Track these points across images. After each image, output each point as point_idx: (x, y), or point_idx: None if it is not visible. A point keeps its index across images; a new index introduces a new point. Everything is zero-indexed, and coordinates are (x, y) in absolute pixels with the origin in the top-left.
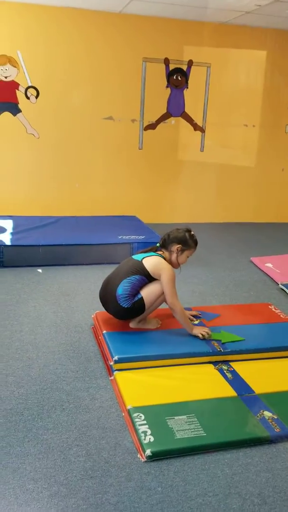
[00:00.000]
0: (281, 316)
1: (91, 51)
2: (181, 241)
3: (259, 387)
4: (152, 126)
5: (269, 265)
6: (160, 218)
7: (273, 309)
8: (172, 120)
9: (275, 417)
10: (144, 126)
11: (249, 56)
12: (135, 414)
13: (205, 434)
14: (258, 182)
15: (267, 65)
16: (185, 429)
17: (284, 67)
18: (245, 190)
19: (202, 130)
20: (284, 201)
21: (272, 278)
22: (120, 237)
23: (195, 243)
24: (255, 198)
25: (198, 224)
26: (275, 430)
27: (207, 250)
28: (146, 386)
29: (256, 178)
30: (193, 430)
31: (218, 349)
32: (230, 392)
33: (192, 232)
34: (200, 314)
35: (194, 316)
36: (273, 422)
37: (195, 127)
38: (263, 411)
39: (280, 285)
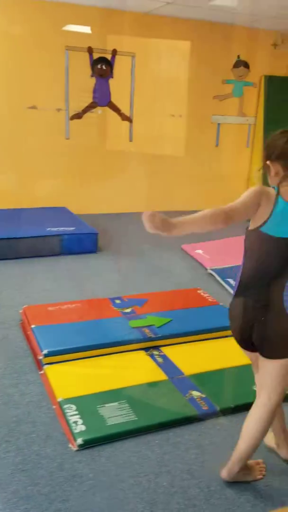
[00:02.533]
0: (209, 300)
1: (12, 39)
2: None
3: (188, 368)
4: (78, 116)
5: (199, 251)
6: (92, 209)
7: (202, 294)
8: (99, 110)
9: (203, 395)
10: (70, 116)
11: (173, 46)
12: (66, 406)
13: (136, 418)
14: (188, 171)
15: (191, 56)
16: (116, 415)
17: (207, 57)
18: (175, 179)
19: (130, 120)
20: (213, 190)
21: (202, 264)
22: (48, 229)
23: None
24: (185, 187)
25: (129, 213)
26: (203, 408)
27: (139, 239)
28: (77, 377)
29: (185, 168)
30: (124, 415)
31: (149, 335)
32: (161, 376)
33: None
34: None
35: None
36: (201, 401)
37: (123, 117)
38: (191, 391)
39: (208, 270)
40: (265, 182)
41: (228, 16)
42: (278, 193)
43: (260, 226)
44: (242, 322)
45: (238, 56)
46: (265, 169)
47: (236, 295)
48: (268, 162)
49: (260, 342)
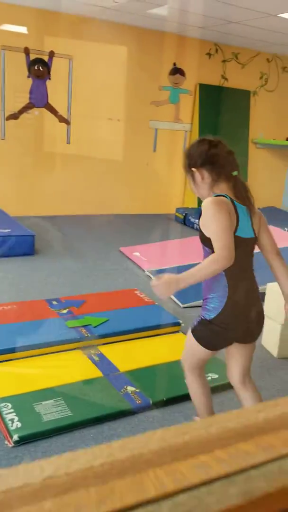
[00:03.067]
0: (145, 300)
1: None
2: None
3: (123, 365)
4: (14, 116)
5: (137, 254)
6: (28, 211)
7: (139, 294)
8: (35, 111)
9: (137, 390)
10: (6, 116)
11: (111, 51)
12: (2, 404)
13: (71, 414)
14: (126, 175)
15: (129, 61)
16: (52, 412)
17: (145, 63)
18: (113, 183)
19: (67, 122)
20: (150, 194)
21: (139, 266)
22: None
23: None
24: (123, 191)
25: (68, 216)
26: (137, 402)
27: (77, 242)
28: (13, 377)
29: (123, 171)
30: (60, 411)
31: (86, 335)
32: (96, 373)
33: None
34: None
35: None
36: (135, 395)
37: (60, 119)
38: (126, 387)
39: (146, 272)
40: None
41: (165, 25)
42: (232, 199)
43: (234, 232)
44: (248, 320)
45: (174, 64)
46: (189, 176)
47: (230, 300)
48: (194, 169)
49: (259, 329)
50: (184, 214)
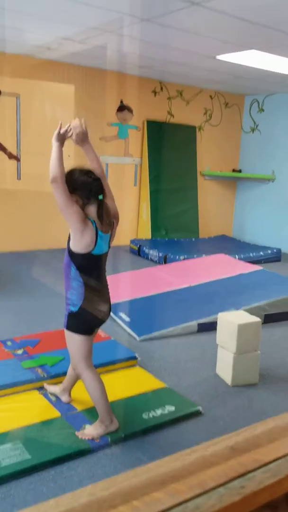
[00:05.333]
0: (102, 335)
1: None
2: None
3: (81, 404)
4: None
5: None
6: None
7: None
8: None
9: None
10: None
11: (58, 89)
12: None
13: (30, 457)
14: None
15: (77, 98)
16: (10, 456)
17: (92, 100)
18: None
19: (17, 159)
20: None
21: None
22: None
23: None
24: None
25: (20, 252)
26: (96, 440)
27: (31, 279)
28: None
29: None
30: (18, 455)
31: (42, 375)
32: (54, 413)
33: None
34: None
35: None
36: None
37: (10, 155)
38: (85, 425)
39: None
40: (153, 218)
41: (111, 64)
42: (97, 227)
43: (91, 250)
44: (108, 309)
45: (121, 101)
46: None
47: (86, 293)
48: None
49: (108, 315)
50: (138, 246)
